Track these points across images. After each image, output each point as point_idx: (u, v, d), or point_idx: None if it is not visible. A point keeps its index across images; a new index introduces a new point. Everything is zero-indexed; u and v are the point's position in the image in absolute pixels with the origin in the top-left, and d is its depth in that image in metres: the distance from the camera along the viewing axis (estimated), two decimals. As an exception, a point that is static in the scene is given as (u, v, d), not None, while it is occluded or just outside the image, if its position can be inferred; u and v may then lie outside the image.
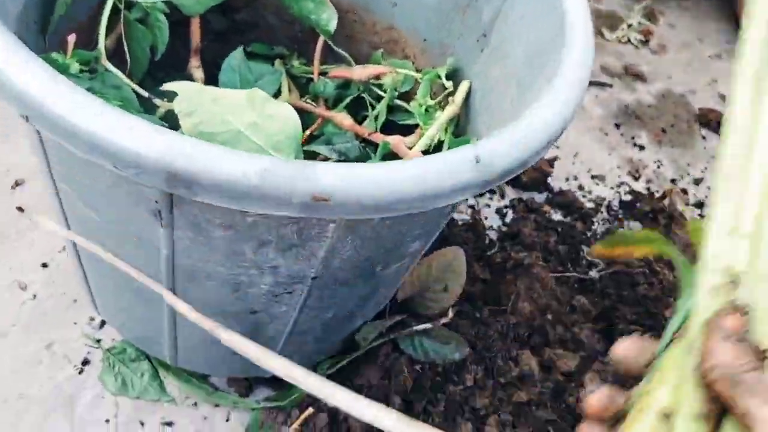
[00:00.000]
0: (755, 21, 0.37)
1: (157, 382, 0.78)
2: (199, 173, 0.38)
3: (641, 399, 0.38)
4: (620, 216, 1.15)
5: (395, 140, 0.68)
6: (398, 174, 0.41)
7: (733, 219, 0.36)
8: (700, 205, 1.22)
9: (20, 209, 0.91)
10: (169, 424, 0.77)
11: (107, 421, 0.76)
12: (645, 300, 0.90)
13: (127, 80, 0.64)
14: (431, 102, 0.74)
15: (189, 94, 0.55)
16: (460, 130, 0.73)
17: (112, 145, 0.37)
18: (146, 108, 0.65)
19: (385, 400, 0.80)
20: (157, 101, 0.66)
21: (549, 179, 1.19)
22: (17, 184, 0.93)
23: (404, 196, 0.42)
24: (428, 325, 0.81)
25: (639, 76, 1.49)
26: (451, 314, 0.82)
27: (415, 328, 0.81)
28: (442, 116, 0.70)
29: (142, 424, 0.76)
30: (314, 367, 0.81)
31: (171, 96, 0.56)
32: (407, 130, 0.73)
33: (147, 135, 0.38)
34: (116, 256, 0.58)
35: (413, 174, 0.42)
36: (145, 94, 0.65)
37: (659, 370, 0.38)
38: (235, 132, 0.56)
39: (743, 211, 0.36)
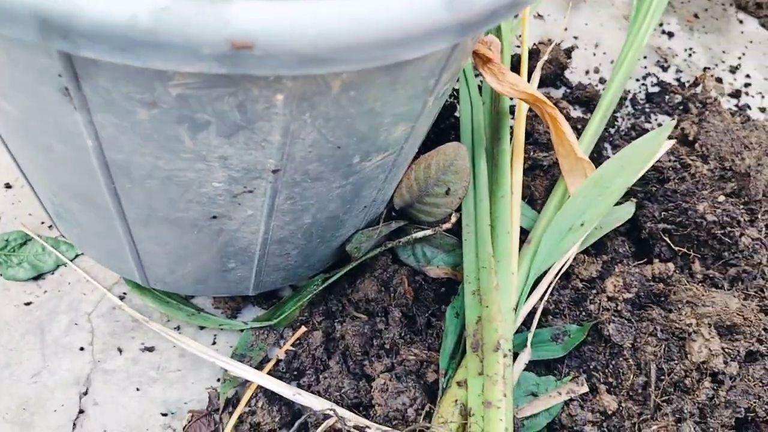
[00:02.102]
0: None
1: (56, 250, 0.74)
2: (74, 15, 0.29)
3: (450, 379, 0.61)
4: (647, 110, 1.04)
5: None
6: (347, 12, 0.31)
7: None
8: (736, 94, 1.09)
9: (-21, 127, 0.83)
10: (150, 349, 0.71)
11: (82, 348, 0.70)
12: (675, 195, 0.79)
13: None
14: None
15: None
16: None
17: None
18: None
19: (384, 314, 0.72)
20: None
21: (566, 72, 1.07)
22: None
23: (357, 41, 0.32)
24: (429, 232, 0.72)
25: (668, -44, 1.33)
26: (454, 219, 0.73)
27: (414, 235, 0.72)
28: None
29: (120, 350, 0.70)
30: (305, 284, 0.74)
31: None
32: None
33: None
34: (47, 160, 0.50)
35: (367, 11, 0.32)
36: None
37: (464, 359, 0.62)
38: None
39: None
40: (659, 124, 1.02)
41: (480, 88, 0.87)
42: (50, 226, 0.77)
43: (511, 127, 0.86)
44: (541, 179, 0.82)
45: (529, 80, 0.94)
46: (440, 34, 0.34)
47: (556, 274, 0.71)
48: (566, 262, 0.72)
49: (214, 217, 0.51)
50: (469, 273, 0.66)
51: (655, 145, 0.76)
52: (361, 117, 0.44)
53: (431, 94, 0.48)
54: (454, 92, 0.98)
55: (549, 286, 0.71)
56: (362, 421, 0.58)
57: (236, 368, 0.66)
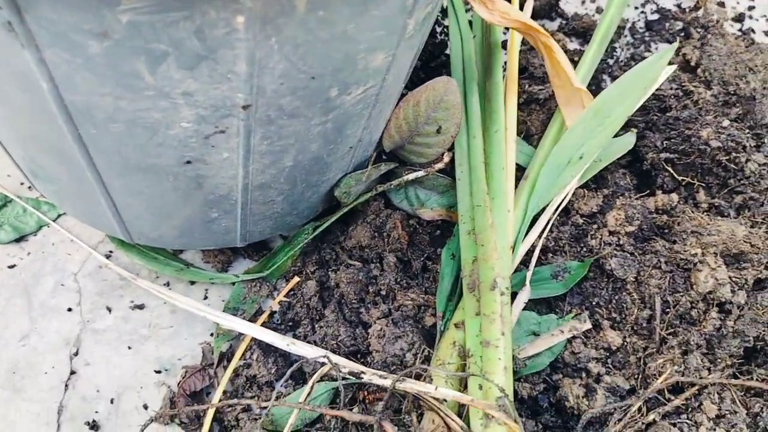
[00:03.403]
0: None
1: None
2: None
3: (447, 321, 0.61)
4: (646, 38, 0.99)
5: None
6: None
7: None
8: (740, 18, 1.04)
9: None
10: (140, 307, 0.69)
11: (69, 309, 0.68)
12: (677, 123, 0.76)
13: None
14: None
15: None
16: None
17: None
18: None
19: (379, 260, 0.70)
20: None
21: (560, 3, 1.02)
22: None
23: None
24: (421, 173, 0.69)
25: None
26: (447, 158, 0.70)
27: (406, 177, 0.69)
28: None
29: (110, 309, 0.68)
30: (296, 234, 0.72)
31: None
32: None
33: None
34: (9, 112, 0.47)
35: None
36: None
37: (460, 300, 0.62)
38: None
39: None
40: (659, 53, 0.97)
41: (470, 23, 0.83)
42: (30, 187, 0.75)
43: (505, 62, 0.82)
44: (537, 113, 0.79)
45: (521, 10, 0.89)
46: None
47: (555, 210, 0.69)
48: (565, 197, 0.69)
49: (188, 162, 0.49)
50: (464, 212, 0.64)
51: (655, 70, 0.73)
52: (334, 42, 0.41)
53: (410, 17, 0.45)
54: (445, 29, 0.94)
55: (548, 223, 0.68)
56: (357, 367, 0.56)
57: (229, 322, 0.64)
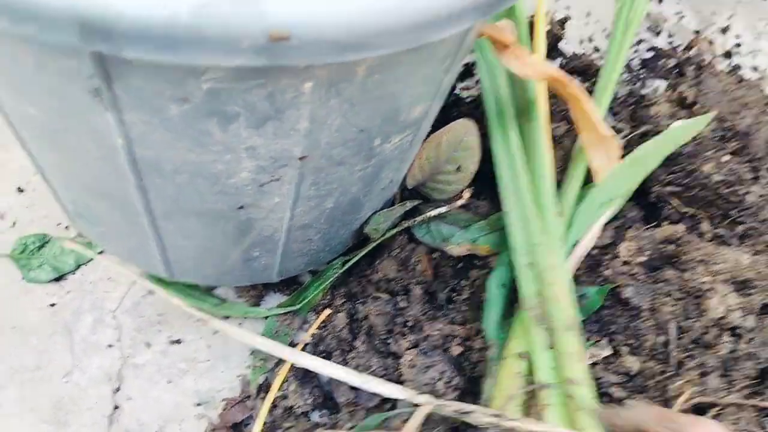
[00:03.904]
0: None
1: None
2: (117, 17, 0.29)
3: (504, 350, 0.64)
4: (642, 75, 1.05)
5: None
6: (377, -2, 0.32)
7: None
8: (728, 55, 1.10)
9: (-14, 134, 0.83)
10: (178, 341, 0.72)
11: (110, 345, 0.71)
12: (680, 158, 0.81)
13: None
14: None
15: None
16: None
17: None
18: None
19: (405, 292, 0.74)
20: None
21: (560, 43, 1.08)
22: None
23: (391, 26, 0.33)
24: (443, 209, 0.73)
25: None
26: (467, 195, 0.74)
27: (429, 213, 0.73)
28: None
29: (149, 345, 0.71)
30: (325, 268, 0.75)
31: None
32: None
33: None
34: (72, 161, 0.50)
35: (397, -4, 0.33)
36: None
37: (513, 328, 0.66)
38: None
39: None
40: (655, 90, 1.02)
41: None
42: (66, 227, 0.78)
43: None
44: (555, 150, 0.83)
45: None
46: (465, 14, 0.35)
47: (588, 248, 0.73)
48: (592, 235, 0.73)
49: (241, 207, 0.52)
50: (519, 247, 0.67)
51: (689, 132, 0.80)
52: (384, 99, 0.45)
53: (447, 73, 0.49)
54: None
55: (580, 260, 0.72)
56: (461, 406, 0.59)
57: (273, 347, 0.67)
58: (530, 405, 0.61)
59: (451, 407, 0.58)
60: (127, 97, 0.39)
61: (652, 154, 0.77)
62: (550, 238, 0.67)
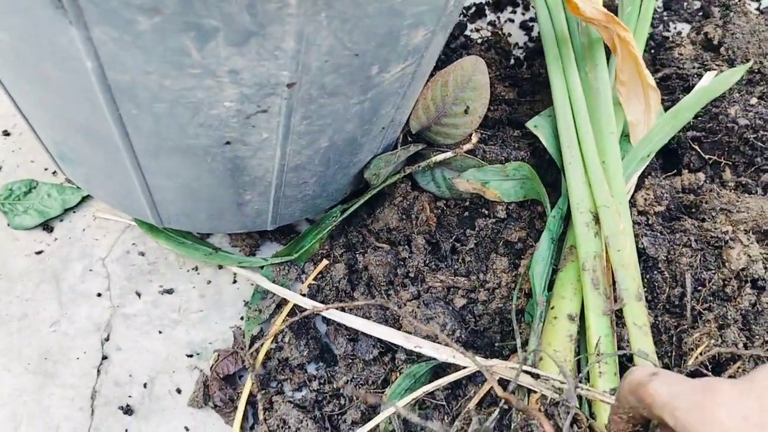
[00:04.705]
0: None
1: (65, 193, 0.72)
2: None
3: (552, 309, 0.60)
4: (665, 17, 0.99)
5: None
6: None
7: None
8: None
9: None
10: (169, 291, 0.69)
11: (99, 294, 0.68)
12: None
13: None
14: None
15: None
16: None
17: None
18: None
19: (407, 242, 0.70)
20: None
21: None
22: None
23: None
24: (449, 154, 0.69)
25: None
26: (475, 139, 0.70)
27: (434, 158, 0.69)
28: None
29: (139, 294, 0.68)
30: (323, 217, 0.71)
31: None
32: None
33: None
34: (44, 91, 0.46)
35: None
36: None
37: (560, 287, 0.61)
38: None
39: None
40: (678, 33, 0.97)
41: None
42: (54, 173, 0.74)
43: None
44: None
45: None
46: None
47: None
48: (628, 189, 0.69)
49: (228, 143, 0.48)
50: (579, 202, 0.63)
51: (726, 84, 0.76)
52: (381, 17, 0.41)
53: (453, -8, 0.45)
54: (463, 10, 0.93)
55: None
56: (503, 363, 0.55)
57: (277, 289, 0.66)
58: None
59: (512, 366, 0.54)
60: (92, 8, 0.35)
61: (690, 106, 0.73)
62: (618, 202, 0.63)
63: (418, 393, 0.56)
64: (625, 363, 0.59)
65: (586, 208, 0.62)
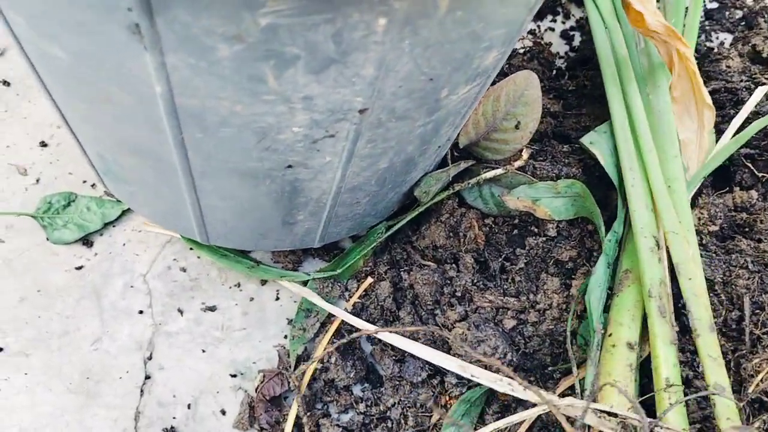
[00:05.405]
0: None
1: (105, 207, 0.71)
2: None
3: (609, 337, 0.58)
4: (707, 27, 0.97)
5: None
6: None
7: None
8: (800, 6, 1.02)
9: (5, 83, 0.77)
10: (212, 308, 0.67)
11: (141, 312, 0.66)
12: (756, 117, 0.74)
13: None
14: None
15: None
16: None
17: None
18: None
19: (454, 260, 0.68)
20: None
21: None
22: (-1, 56, 0.80)
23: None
24: (500, 170, 0.67)
25: None
26: (526, 155, 0.68)
27: (484, 175, 0.67)
28: None
29: (181, 312, 0.67)
30: (368, 233, 0.70)
31: None
32: None
33: None
34: (102, 111, 0.45)
35: None
36: None
37: (617, 313, 0.59)
38: None
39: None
40: (721, 43, 0.95)
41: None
42: (93, 185, 0.73)
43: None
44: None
45: (581, 4, 0.86)
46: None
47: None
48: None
49: (289, 166, 0.47)
50: (644, 227, 0.61)
51: None
52: (461, 42, 0.39)
53: (530, 13, 0.43)
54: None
55: None
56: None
57: (324, 304, 0.65)
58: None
59: (571, 404, 0.51)
60: (170, 35, 0.34)
61: (752, 131, 0.70)
62: (685, 228, 0.61)
63: (491, 428, 0.54)
64: (686, 392, 0.57)
65: (650, 233, 0.60)
